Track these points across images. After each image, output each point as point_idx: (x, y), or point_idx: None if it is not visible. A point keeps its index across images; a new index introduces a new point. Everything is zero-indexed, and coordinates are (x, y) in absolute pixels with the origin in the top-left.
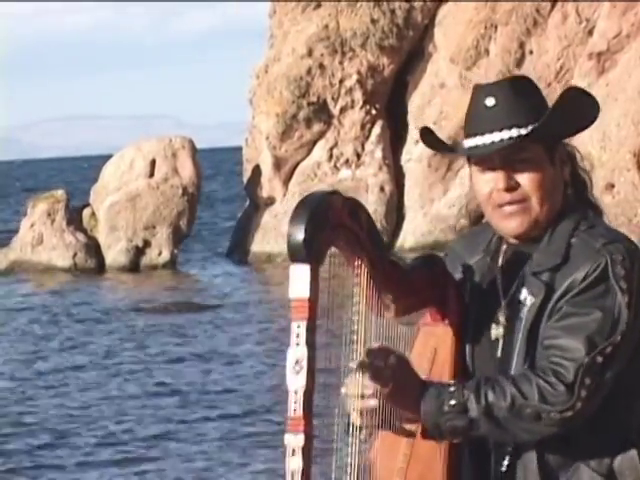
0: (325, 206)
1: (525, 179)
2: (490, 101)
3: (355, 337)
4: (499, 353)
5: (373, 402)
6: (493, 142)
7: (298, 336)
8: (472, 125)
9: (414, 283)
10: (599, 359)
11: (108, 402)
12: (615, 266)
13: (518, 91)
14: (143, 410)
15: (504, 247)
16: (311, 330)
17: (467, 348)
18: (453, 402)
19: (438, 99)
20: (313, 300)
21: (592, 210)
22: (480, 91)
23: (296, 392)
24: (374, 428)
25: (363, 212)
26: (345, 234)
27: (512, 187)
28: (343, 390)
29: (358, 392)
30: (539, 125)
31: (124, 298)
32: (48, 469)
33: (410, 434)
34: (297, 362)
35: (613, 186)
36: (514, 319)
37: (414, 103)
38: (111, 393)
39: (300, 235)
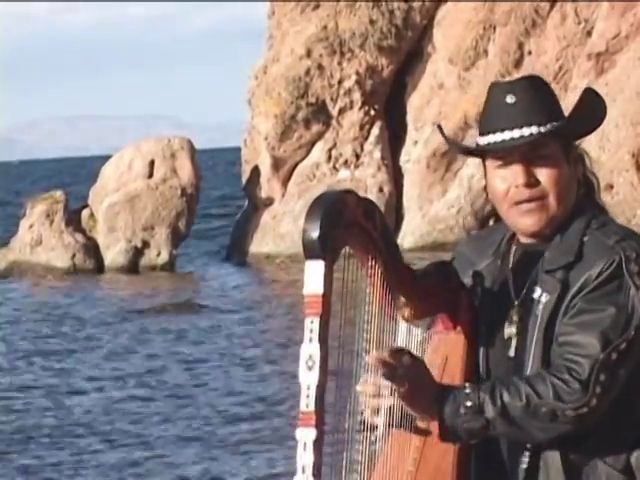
0: (340, 205)
1: (544, 175)
2: (511, 98)
3: (367, 336)
4: (512, 352)
5: (388, 401)
6: (513, 138)
7: (311, 332)
8: (492, 122)
9: (426, 288)
10: (614, 355)
11: (107, 404)
12: (629, 263)
13: (536, 90)
14: (143, 410)
15: (514, 248)
16: (324, 326)
17: (480, 350)
18: (469, 404)
19: (437, 100)
20: (327, 296)
21: (599, 211)
22: (499, 89)
23: (309, 387)
24: (385, 428)
25: (377, 213)
26: (359, 234)
27: (532, 183)
28: (358, 388)
29: (373, 390)
30: (565, 122)
31: (123, 299)
32: (50, 471)
33: (420, 437)
34: (310, 357)
35: (612, 187)
36: (528, 317)
37: (413, 104)
38: (110, 395)
39: (315, 232)
